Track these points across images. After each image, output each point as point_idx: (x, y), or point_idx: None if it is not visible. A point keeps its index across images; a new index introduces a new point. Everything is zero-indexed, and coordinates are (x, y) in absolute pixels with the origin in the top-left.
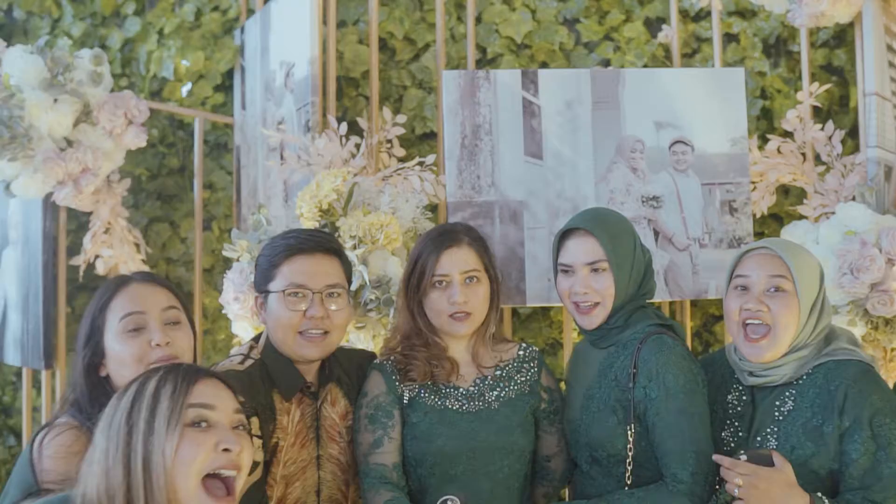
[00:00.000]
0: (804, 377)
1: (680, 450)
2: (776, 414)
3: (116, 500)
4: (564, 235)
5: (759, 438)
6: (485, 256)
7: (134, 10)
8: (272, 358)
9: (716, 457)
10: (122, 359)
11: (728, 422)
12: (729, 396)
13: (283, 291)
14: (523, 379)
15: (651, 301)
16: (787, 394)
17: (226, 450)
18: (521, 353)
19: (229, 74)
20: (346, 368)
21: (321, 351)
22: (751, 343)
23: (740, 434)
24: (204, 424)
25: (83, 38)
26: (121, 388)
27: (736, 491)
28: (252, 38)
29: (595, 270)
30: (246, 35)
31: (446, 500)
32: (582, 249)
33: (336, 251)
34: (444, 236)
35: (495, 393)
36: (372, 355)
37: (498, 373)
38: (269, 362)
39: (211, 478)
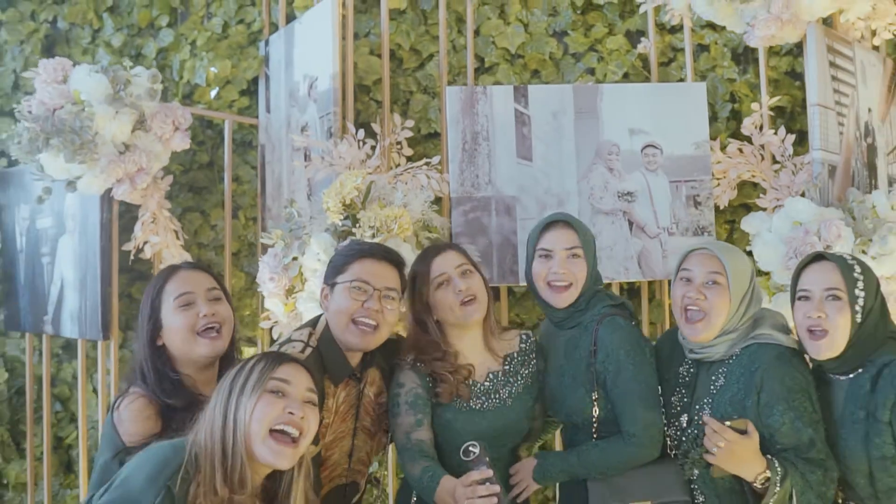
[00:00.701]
0: (734, 357)
1: (631, 411)
2: (711, 387)
3: (215, 441)
4: (545, 228)
5: (697, 406)
6: (469, 257)
7: (167, 22)
8: (327, 347)
9: (707, 419)
10: (177, 328)
11: (677, 389)
12: (680, 368)
13: (350, 282)
14: (527, 372)
15: (629, 281)
16: (720, 371)
17: (291, 413)
18: (522, 345)
19: (254, 81)
20: (382, 353)
21: (370, 343)
22: (690, 325)
23: (685, 400)
24: (280, 393)
25: (122, 47)
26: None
27: (714, 450)
28: (276, 52)
29: (572, 255)
30: (271, 48)
31: (468, 447)
32: (562, 238)
33: (398, 264)
34: (431, 249)
35: (507, 390)
36: (398, 336)
37: (507, 367)
38: (324, 351)
39: (279, 433)
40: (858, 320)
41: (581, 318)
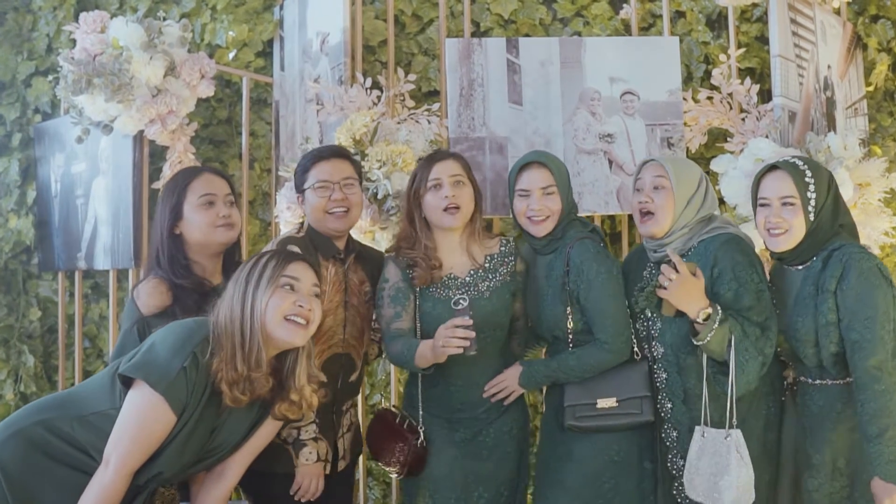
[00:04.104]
0: (692, 249)
1: (602, 322)
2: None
3: (235, 328)
4: (522, 168)
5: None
6: (466, 168)
7: None
8: (314, 235)
9: (670, 252)
10: (196, 222)
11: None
12: (644, 272)
13: (314, 185)
14: (505, 270)
15: (610, 215)
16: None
17: (300, 305)
18: (502, 248)
19: (269, 44)
20: (365, 254)
21: (346, 224)
22: (642, 224)
23: None
24: (289, 288)
25: (147, 13)
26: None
27: (666, 283)
28: (290, 14)
29: (547, 193)
30: (285, 11)
31: (459, 298)
32: (537, 177)
33: (347, 156)
34: (434, 154)
35: (485, 284)
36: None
37: (486, 265)
38: (312, 237)
39: (290, 321)
40: (812, 218)
41: (558, 244)
